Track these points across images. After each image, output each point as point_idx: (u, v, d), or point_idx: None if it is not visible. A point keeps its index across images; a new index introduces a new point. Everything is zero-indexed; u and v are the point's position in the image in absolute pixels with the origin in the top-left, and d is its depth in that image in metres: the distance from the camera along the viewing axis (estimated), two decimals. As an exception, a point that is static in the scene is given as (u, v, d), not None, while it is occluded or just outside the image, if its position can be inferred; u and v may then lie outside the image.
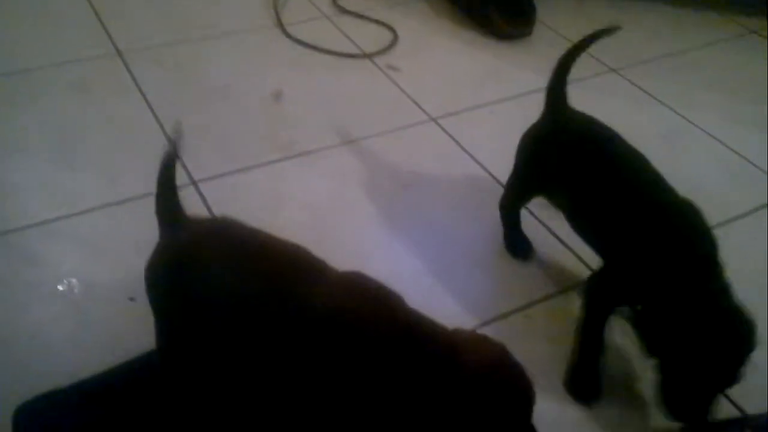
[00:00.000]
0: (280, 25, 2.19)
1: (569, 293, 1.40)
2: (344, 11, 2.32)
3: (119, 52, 2.01)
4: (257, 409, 1.09)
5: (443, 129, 1.84)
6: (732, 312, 1.08)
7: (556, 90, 1.35)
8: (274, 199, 1.58)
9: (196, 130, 1.63)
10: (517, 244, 1.48)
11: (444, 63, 2.13)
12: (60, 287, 1.34)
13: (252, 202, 1.54)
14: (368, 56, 2.11)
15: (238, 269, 0.97)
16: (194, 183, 1.58)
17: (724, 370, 1.07)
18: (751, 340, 1.07)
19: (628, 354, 1.27)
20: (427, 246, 1.50)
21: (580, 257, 1.46)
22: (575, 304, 1.28)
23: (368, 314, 0.92)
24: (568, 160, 1.29)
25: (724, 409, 1.17)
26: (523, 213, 1.49)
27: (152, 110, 1.79)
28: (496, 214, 1.49)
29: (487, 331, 1.02)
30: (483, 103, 1.94)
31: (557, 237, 1.52)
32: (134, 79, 1.90)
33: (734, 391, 1.14)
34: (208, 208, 1.51)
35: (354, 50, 2.13)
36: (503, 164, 1.46)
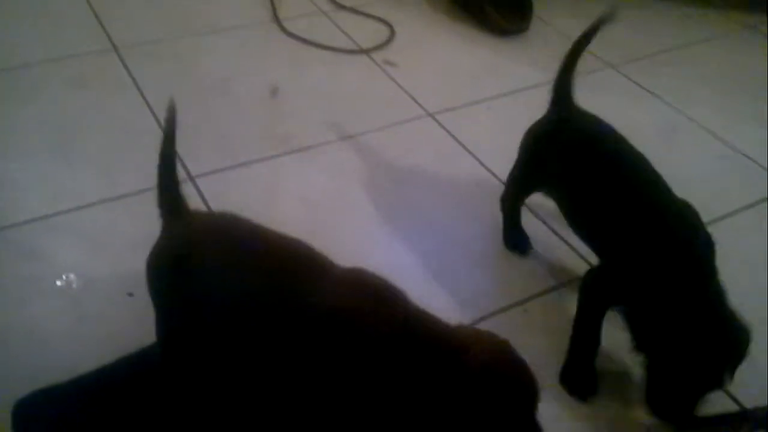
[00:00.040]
0: (277, 20, 2.19)
1: (567, 288, 1.40)
2: (341, 7, 2.32)
3: (117, 48, 2.00)
4: (257, 405, 1.09)
5: (440, 124, 1.84)
6: (723, 317, 1.08)
7: (562, 87, 1.36)
8: (271, 194, 1.58)
9: (194, 126, 1.63)
10: (515, 239, 1.49)
11: (441, 59, 2.13)
12: (58, 282, 1.34)
13: (249, 197, 1.54)
14: (365, 52, 2.11)
15: (240, 265, 0.97)
16: (192, 178, 1.58)
17: (709, 373, 1.08)
18: (741, 348, 1.08)
19: (625, 350, 1.28)
20: (423, 240, 1.50)
21: (578, 252, 1.46)
22: (573, 298, 1.28)
23: (371, 311, 0.92)
24: (569, 158, 1.30)
25: (722, 404, 1.18)
26: (522, 209, 1.49)
27: (149, 106, 1.79)
28: (494, 208, 1.50)
29: (486, 326, 1.03)
30: (480, 98, 1.94)
31: (555, 232, 1.52)
32: (132, 74, 1.90)
33: (733, 387, 1.14)
34: (206, 203, 1.51)
35: (351, 46, 2.13)
36: (500, 159, 1.46)
